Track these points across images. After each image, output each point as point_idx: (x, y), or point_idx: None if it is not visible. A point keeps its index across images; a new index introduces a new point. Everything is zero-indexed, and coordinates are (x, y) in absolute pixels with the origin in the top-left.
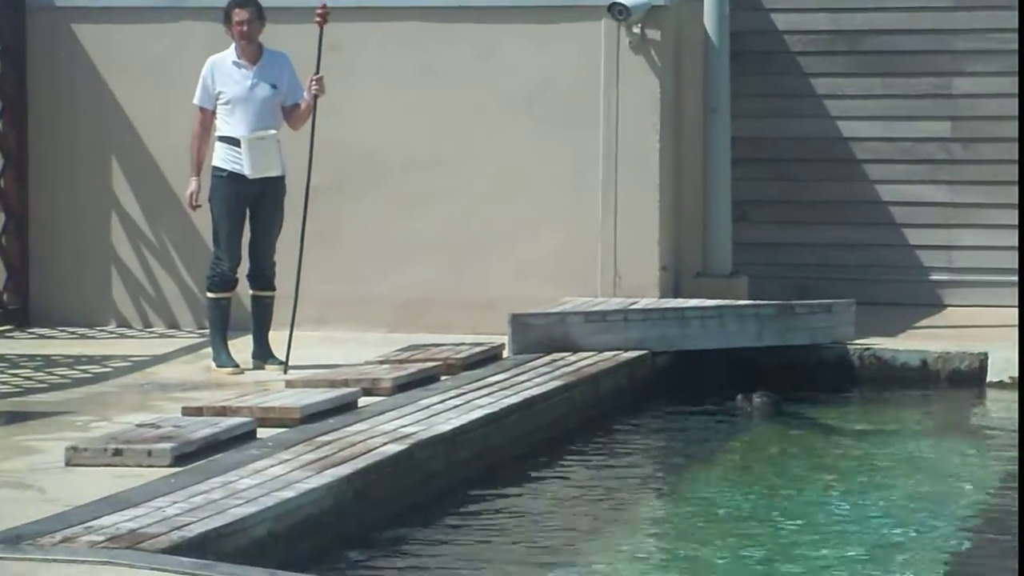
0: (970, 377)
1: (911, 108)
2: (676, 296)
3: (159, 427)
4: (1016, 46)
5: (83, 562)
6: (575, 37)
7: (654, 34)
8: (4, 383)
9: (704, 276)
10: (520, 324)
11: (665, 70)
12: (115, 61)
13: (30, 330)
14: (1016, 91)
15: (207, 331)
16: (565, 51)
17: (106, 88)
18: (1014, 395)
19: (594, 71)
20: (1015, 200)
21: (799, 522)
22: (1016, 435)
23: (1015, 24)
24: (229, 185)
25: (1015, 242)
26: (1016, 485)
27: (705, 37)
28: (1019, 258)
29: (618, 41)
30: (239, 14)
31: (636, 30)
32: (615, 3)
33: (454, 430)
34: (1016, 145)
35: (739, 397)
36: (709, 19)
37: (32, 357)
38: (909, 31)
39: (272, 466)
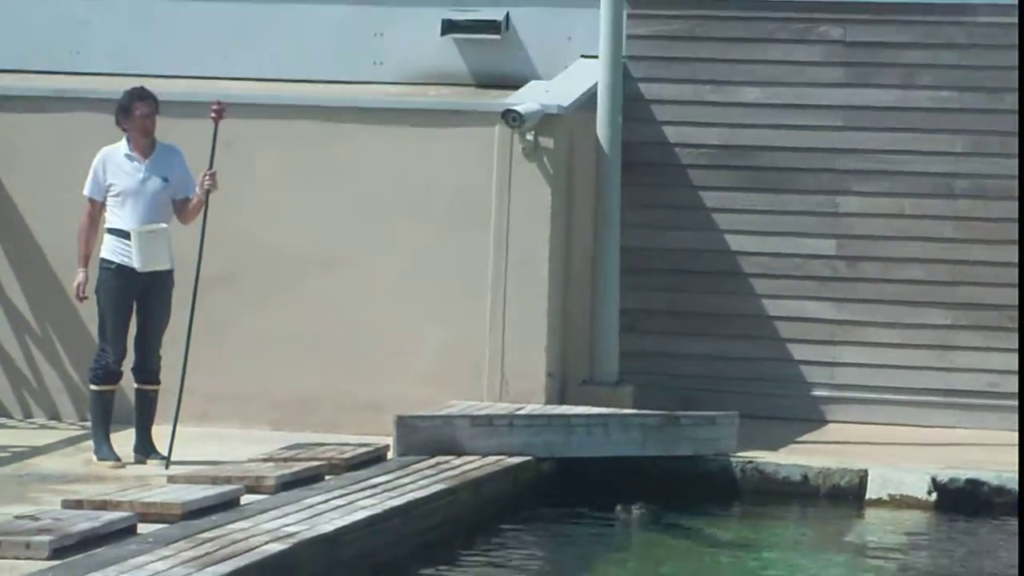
0: (850, 493)
1: (798, 225)
2: (562, 403)
3: (38, 519)
4: (901, 167)
5: None
6: (469, 141)
7: (547, 142)
8: None
9: (590, 384)
10: (406, 426)
11: (557, 177)
12: (3, 148)
13: None
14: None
15: (89, 423)
16: (459, 155)
17: None
18: (891, 513)
19: (487, 176)
20: (896, 319)
21: None
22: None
23: (900, 146)
24: (117, 278)
25: (895, 360)
26: None
27: (597, 146)
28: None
29: (511, 147)
30: (142, 107)
31: (529, 137)
32: (509, 110)
33: (337, 530)
34: (897, 263)
35: (618, 507)
36: (602, 129)
37: None
38: (797, 149)
39: (152, 562)
